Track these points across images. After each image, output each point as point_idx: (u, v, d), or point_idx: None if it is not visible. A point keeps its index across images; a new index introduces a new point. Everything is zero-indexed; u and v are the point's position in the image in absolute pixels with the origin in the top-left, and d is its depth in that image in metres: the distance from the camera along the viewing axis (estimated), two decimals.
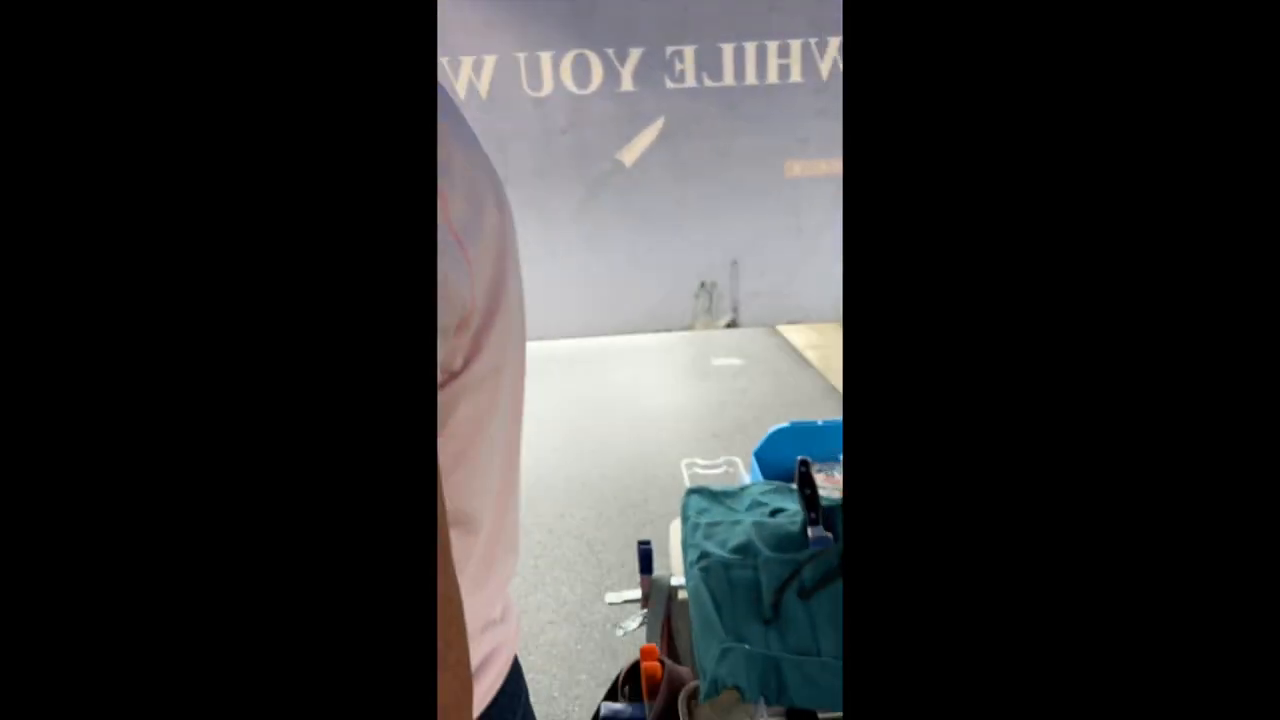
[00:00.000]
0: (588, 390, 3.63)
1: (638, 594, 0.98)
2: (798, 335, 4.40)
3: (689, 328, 0.98)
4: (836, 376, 3.74)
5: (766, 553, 0.84)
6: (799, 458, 0.92)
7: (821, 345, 4.21)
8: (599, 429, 3.13)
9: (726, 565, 0.83)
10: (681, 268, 0.99)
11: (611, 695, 0.85)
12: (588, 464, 2.80)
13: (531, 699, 0.53)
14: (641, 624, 0.98)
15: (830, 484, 0.99)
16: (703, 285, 1.00)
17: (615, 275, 1.00)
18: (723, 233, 0.99)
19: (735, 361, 3.96)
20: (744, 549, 0.86)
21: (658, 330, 0.99)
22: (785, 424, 1.12)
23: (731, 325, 0.99)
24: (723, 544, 0.89)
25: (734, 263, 0.99)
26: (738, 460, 1.21)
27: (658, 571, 1.00)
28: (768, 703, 0.70)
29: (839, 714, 0.74)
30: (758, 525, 0.89)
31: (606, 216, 1.00)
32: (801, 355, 4.08)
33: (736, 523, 0.94)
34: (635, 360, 4.07)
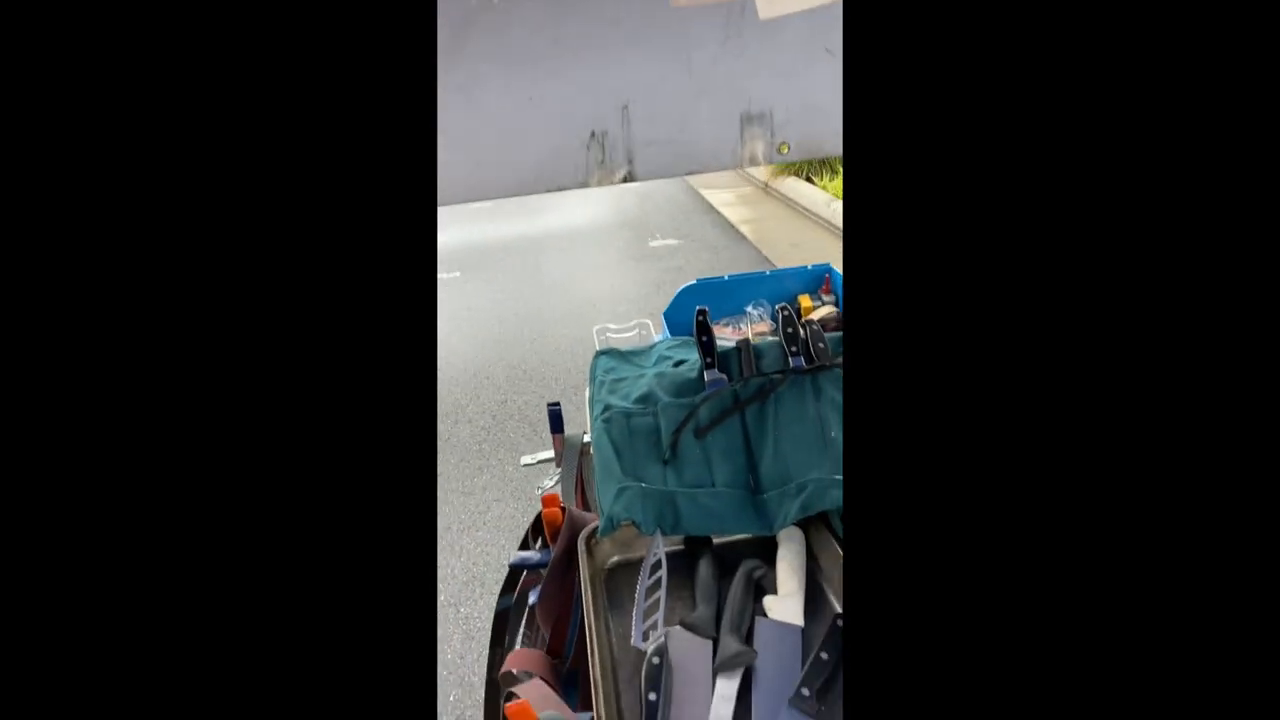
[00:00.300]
0: (526, 281, 3.56)
1: (551, 454, 1.00)
2: (733, 212, 4.35)
3: (584, 184, 0.94)
4: (770, 248, 3.74)
5: (665, 399, 0.85)
6: (697, 307, 0.92)
7: (755, 219, 4.18)
8: (539, 318, 3.10)
9: (628, 415, 0.84)
10: (568, 117, 0.93)
11: (524, 546, 0.88)
12: (527, 351, 2.80)
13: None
14: (557, 482, 1.00)
15: (732, 334, 1.00)
16: (593, 135, 0.94)
17: (497, 129, 0.93)
18: (608, 75, 0.92)
19: (672, 242, 3.92)
20: (645, 398, 0.87)
21: (551, 189, 0.94)
22: (692, 282, 1.11)
23: (628, 179, 0.95)
24: (626, 396, 0.90)
25: (624, 108, 0.93)
26: (648, 322, 1.21)
27: (572, 432, 1.01)
28: (664, 533, 0.73)
29: (731, 538, 0.79)
30: (659, 375, 0.90)
31: (478, 64, 0.91)
32: (737, 230, 4.05)
33: (641, 376, 0.95)
34: (572, 247, 3.98)
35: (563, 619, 0.74)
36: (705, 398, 0.81)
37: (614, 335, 1.19)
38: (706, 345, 0.87)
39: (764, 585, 0.71)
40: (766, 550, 0.74)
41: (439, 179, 1.06)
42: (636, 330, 1.20)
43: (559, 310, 3.16)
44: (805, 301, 1.17)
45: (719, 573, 0.72)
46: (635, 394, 0.89)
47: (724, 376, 0.84)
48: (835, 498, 0.69)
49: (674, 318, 1.16)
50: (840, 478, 0.70)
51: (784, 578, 0.70)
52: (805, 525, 0.76)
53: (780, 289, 1.19)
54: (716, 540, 0.78)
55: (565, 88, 0.91)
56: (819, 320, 1.07)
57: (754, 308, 1.14)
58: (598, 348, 1.06)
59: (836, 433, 0.74)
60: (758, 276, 1.18)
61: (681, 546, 0.79)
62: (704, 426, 0.80)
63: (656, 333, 1.18)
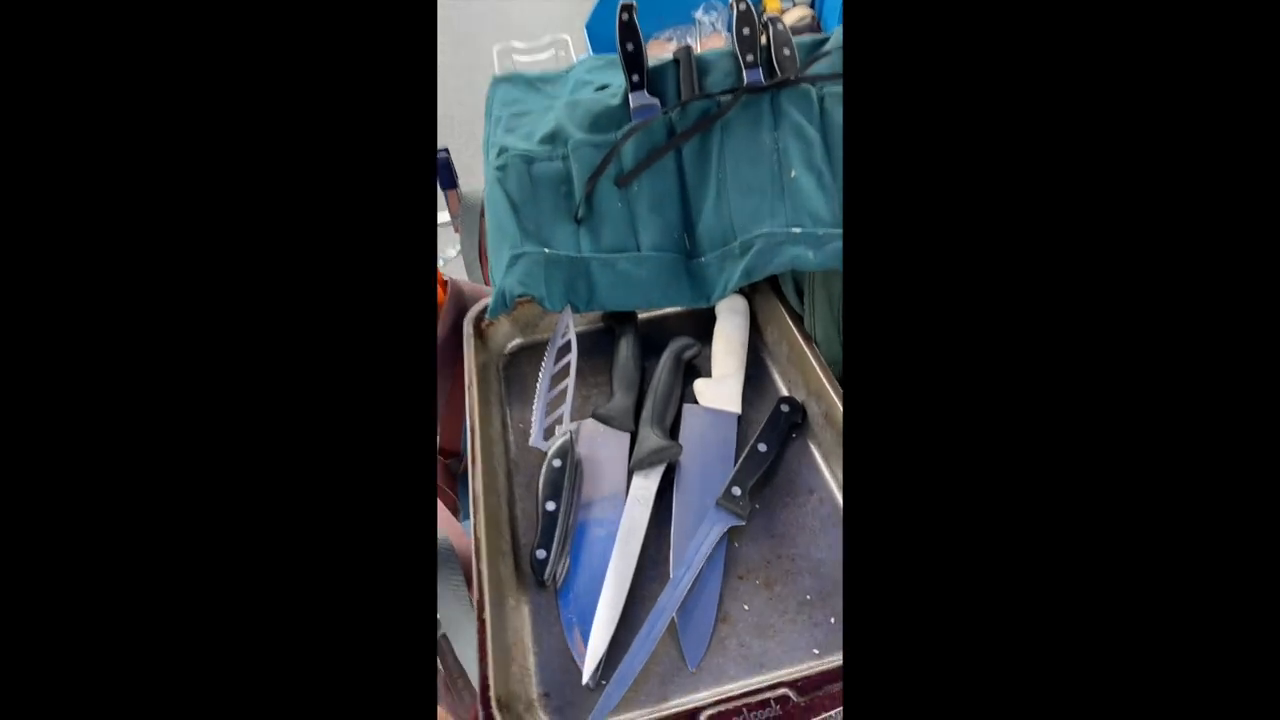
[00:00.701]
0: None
1: (447, 217, 0.80)
2: None
3: None
4: None
5: (578, 136, 0.64)
6: (621, 3, 0.66)
7: None
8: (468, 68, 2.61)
9: (528, 159, 0.64)
10: None
11: None
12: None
13: None
14: (459, 251, 0.82)
15: (667, 49, 0.75)
16: None
17: None
18: None
19: None
20: (552, 137, 0.66)
21: None
22: None
23: None
24: (529, 136, 0.68)
25: None
26: (566, 39, 0.93)
27: (472, 187, 0.81)
28: (575, 309, 0.58)
29: (659, 312, 0.64)
30: (570, 105, 0.67)
31: None
32: None
33: (550, 109, 0.72)
34: None
35: (455, 412, 0.62)
36: (629, 131, 0.60)
37: (521, 58, 0.92)
38: (633, 58, 0.63)
39: (696, 366, 0.58)
40: (703, 325, 0.60)
41: None
42: (552, 50, 0.92)
43: (450, 24, 2.62)
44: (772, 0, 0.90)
45: (642, 354, 0.58)
46: (540, 132, 0.67)
47: (656, 101, 0.62)
48: (792, 257, 0.53)
49: (600, 31, 0.88)
50: (799, 230, 0.53)
51: (720, 357, 0.57)
52: (750, 292, 0.61)
53: None
54: (641, 315, 0.63)
55: None
56: (790, 25, 0.81)
57: (705, 13, 0.86)
58: (496, 74, 0.81)
59: (798, 171, 0.56)
60: None
61: (600, 325, 0.64)
62: (627, 172, 0.60)
63: (579, 53, 0.91)
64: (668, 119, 0.61)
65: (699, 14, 0.86)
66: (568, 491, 0.48)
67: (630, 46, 0.63)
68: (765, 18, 0.64)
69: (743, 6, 0.64)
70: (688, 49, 0.63)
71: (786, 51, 0.61)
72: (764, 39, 0.62)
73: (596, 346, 0.61)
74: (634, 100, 0.62)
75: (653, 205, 0.59)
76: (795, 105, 0.59)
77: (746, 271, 0.54)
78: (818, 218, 0.54)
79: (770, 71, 0.61)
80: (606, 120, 0.64)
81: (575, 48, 0.92)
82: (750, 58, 0.61)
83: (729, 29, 0.63)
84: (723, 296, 0.57)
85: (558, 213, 0.62)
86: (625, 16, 0.64)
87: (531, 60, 0.90)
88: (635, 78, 0.63)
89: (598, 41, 0.87)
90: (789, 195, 0.55)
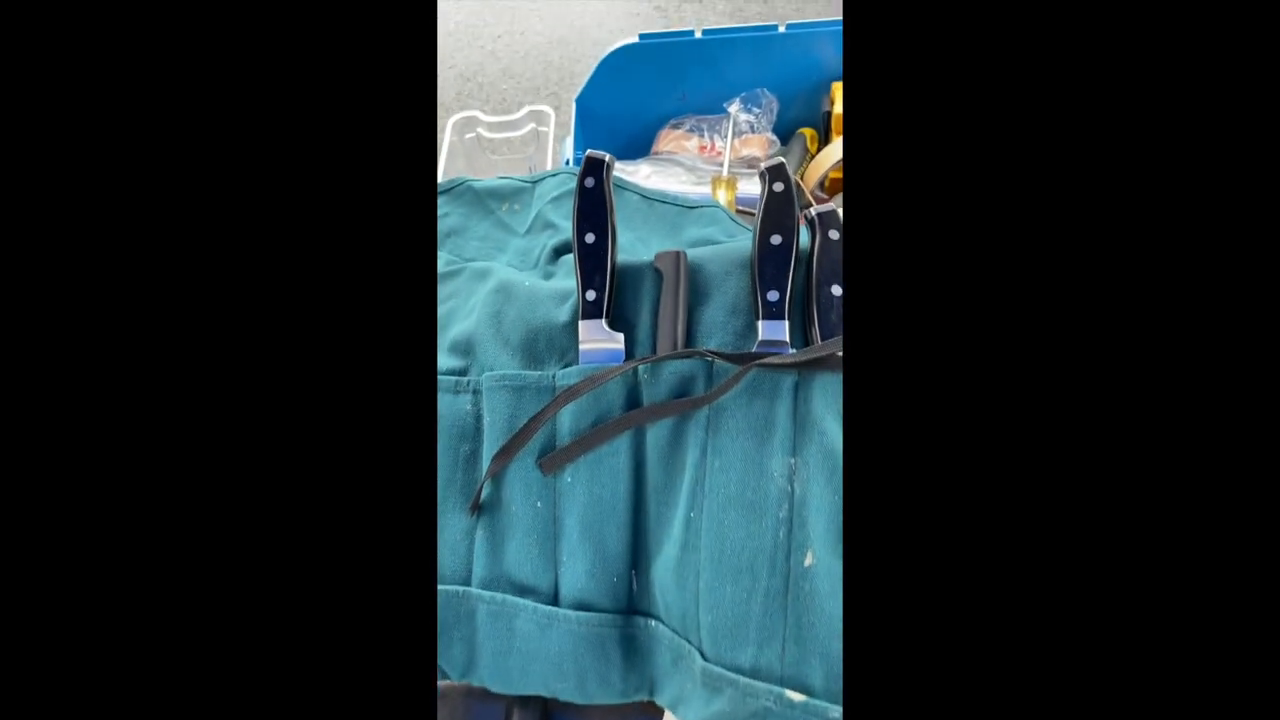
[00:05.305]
0: None
1: None
2: None
3: None
4: None
5: (499, 359, 0.41)
6: (587, 153, 0.42)
7: None
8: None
9: None
10: None
11: None
12: None
13: None
14: None
15: (698, 154, 0.50)
16: None
17: None
18: None
19: None
20: (467, 347, 0.43)
21: None
22: (630, 40, 0.55)
23: None
24: (443, 323, 0.46)
25: None
26: (548, 111, 0.66)
27: None
28: (443, 675, 0.37)
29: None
30: (501, 293, 0.44)
31: None
32: None
33: (483, 278, 0.49)
34: None
35: None
36: (565, 395, 0.38)
37: (489, 133, 0.67)
38: (592, 256, 0.40)
39: None
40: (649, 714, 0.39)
41: None
42: (532, 125, 0.67)
43: None
44: (843, 96, 0.63)
45: None
46: (455, 328, 0.45)
47: (619, 343, 0.39)
48: None
49: (594, 104, 0.63)
50: (799, 700, 0.31)
51: None
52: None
53: (797, 63, 0.63)
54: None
55: None
56: (754, 154, 0.55)
57: (744, 109, 0.60)
58: (441, 170, 0.58)
59: (818, 550, 0.33)
60: (759, 35, 0.61)
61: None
62: (559, 449, 0.38)
63: (564, 134, 0.66)
64: (630, 377, 0.38)
65: (733, 108, 0.60)
66: None
67: (591, 237, 0.40)
68: (813, 212, 0.39)
69: (779, 187, 0.39)
70: (678, 255, 0.40)
71: (838, 291, 0.37)
72: (812, 249, 0.38)
73: None
74: (585, 333, 0.39)
75: (587, 520, 0.37)
76: (834, 405, 0.35)
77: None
78: (833, 666, 0.31)
79: (805, 323, 0.38)
80: (546, 345, 0.41)
81: (559, 125, 0.67)
82: (775, 296, 0.37)
83: (763, 179, 0.39)
84: (674, 707, 0.36)
85: (449, 490, 0.40)
86: (589, 181, 0.40)
87: (501, 137, 0.65)
88: (591, 294, 0.39)
89: (587, 122, 0.62)
90: (795, 597, 0.32)
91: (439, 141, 0.63)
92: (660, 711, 0.38)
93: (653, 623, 0.36)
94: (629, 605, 0.37)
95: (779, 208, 0.38)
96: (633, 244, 0.50)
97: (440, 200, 0.56)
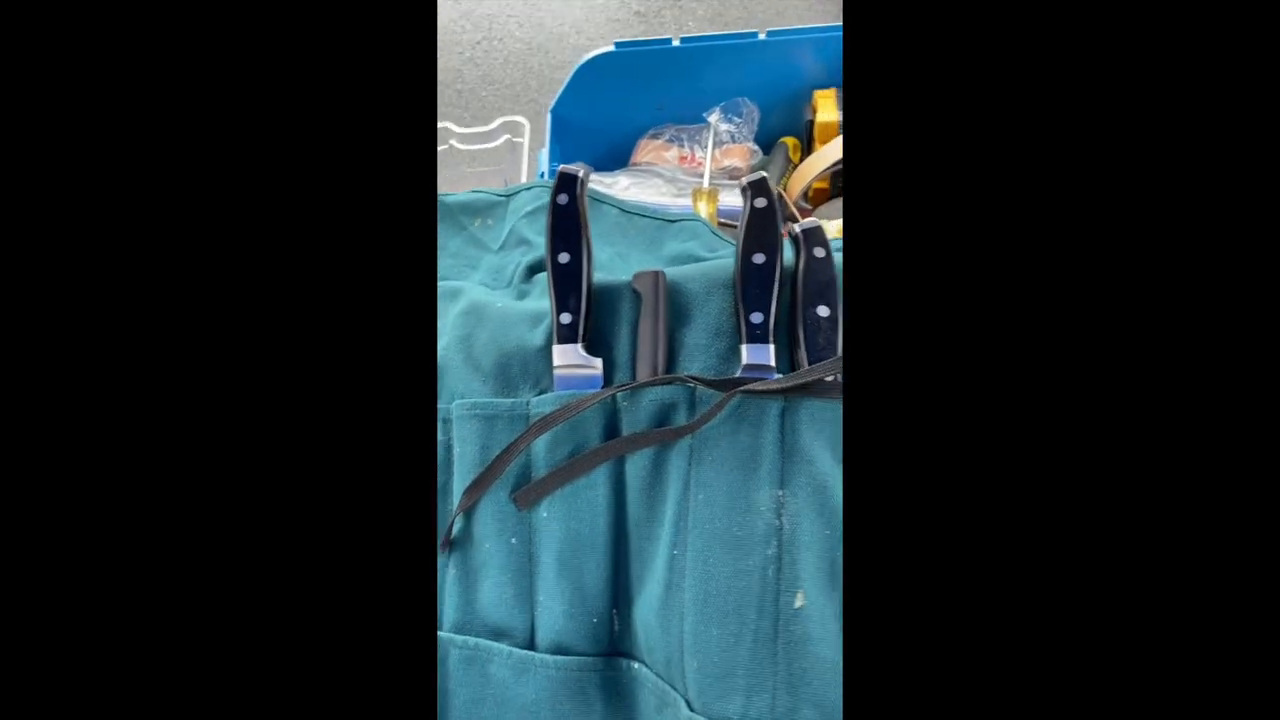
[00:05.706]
0: None
1: None
2: None
3: None
4: None
5: (469, 386, 0.39)
6: (560, 168, 0.40)
7: None
8: None
9: None
10: None
11: None
12: None
13: None
14: None
15: (678, 164, 0.48)
16: None
17: None
18: None
19: None
20: (438, 371, 0.41)
21: None
22: (606, 48, 0.54)
23: None
24: None
25: None
26: (522, 121, 0.64)
27: None
28: None
29: None
30: (471, 314, 0.42)
31: None
32: None
33: (455, 297, 0.47)
34: None
35: None
36: (539, 425, 0.36)
37: (461, 145, 0.65)
38: (567, 277, 0.38)
39: None
40: None
41: None
42: (505, 137, 0.65)
43: None
44: (825, 104, 0.61)
45: None
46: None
47: (596, 368, 0.37)
48: None
49: (570, 115, 0.61)
50: None
51: None
52: None
53: (778, 71, 0.62)
54: None
55: None
56: (736, 165, 0.53)
57: (725, 119, 0.59)
58: None
59: (811, 591, 0.31)
60: (738, 42, 0.60)
61: None
62: (534, 482, 0.36)
63: (540, 145, 0.64)
64: (608, 405, 0.36)
65: (713, 117, 0.59)
66: None
67: (566, 257, 0.38)
68: (798, 228, 0.38)
69: (762, 203, 0.37)
70: (656, 275, 0.38)
71: (825, 312, 0.36)
72: (797, 268, 0.37)
73: None
74: (560, 358, 0.37)
75: (564, 557, 0.35)
76: (823, 433, 0.33)
77: None
78: (828, 716, 0.29)
79: (791, 345, 0.36)
80: (519, 370, 0.39)
81: (534, 135, 0.65)
82: (759, 318, 0.35)
83: (742, 192, 0.38)
84: None
85: None
86: (563, 198, 0.38)
87: (472, 149, 0.63)
88: (566, 318, 0.37)
89: (563, 132, 0.60)
90: (786, 642, 0.31)
91: None
92: None
93: (635, 665, 0.34)
94: (610, 647, 0.35)
95: (761, 225, 0.36)
96: (611, 260, 0.48)
97: None
